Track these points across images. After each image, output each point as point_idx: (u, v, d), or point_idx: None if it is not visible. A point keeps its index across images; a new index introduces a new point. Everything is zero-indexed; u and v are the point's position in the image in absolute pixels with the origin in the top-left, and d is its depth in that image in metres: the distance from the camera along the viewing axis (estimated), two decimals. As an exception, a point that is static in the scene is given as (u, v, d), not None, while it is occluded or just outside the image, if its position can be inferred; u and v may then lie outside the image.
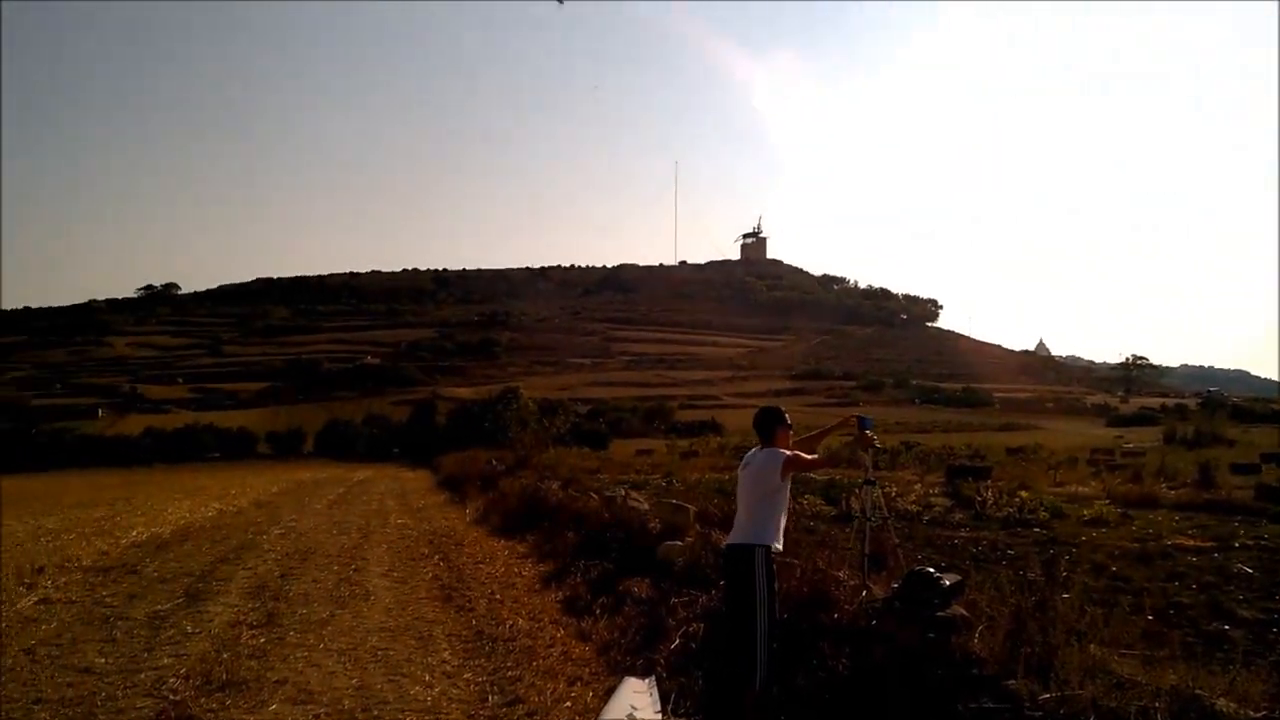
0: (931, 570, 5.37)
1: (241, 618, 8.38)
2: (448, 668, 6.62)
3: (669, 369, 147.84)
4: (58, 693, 6.08)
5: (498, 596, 9.16)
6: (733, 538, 5.35)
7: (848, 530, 11.18)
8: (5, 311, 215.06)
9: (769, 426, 5.34)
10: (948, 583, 5.27)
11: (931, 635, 4.90)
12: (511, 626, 7.78)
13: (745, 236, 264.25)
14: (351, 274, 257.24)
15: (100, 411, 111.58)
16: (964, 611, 5.14)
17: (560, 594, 9.05)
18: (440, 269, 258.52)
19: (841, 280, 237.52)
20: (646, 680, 5.95)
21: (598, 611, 7.84)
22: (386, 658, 6.93)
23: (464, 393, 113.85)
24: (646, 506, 11.11)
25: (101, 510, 21.40)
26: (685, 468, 31.80)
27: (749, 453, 5.49)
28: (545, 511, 14.08)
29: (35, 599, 9.33)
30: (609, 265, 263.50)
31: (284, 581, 10.40)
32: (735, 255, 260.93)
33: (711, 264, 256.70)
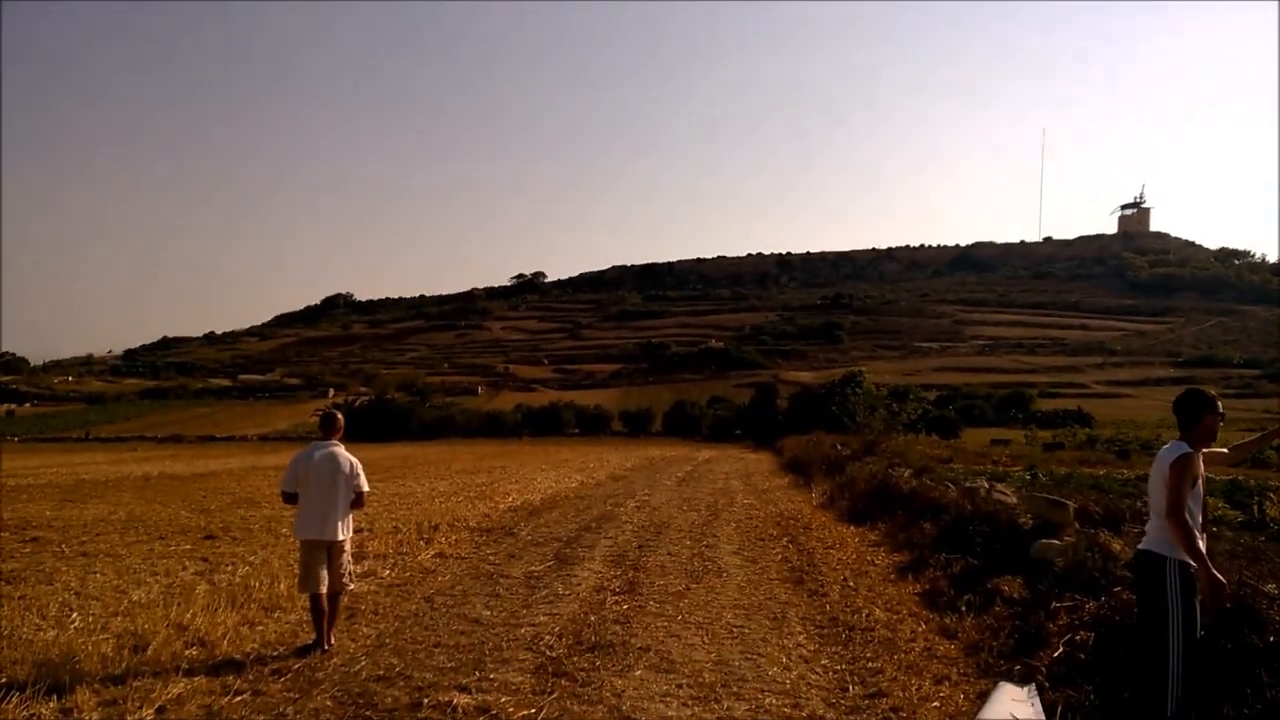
0: None
1: (605, 584, 8.80)
2: (804, 651, 6.43)
3: (1028, 354, 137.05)
4: (452, 639, 6.69)
5: (851, 584, 8.84)
6: (1144, 543, 4.63)
7: (1260, 540, 9.64)
8: (405, 299, 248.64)
9: (1193, 412, 4.51)
10: None
11: None
12: (868, 616, 7.44)
13: (1124, 208, 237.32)
14: (698, 260, 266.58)
15: (479, 389, 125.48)
16: None
17: (919, 586, 8.54)
18: (784, 253, 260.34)
19: (1244, 254, 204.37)
20: (1026, 688, 5.35)
21: (963, 608, 7.25)
22: (743, 635, 6.89)
23: (805, 376, 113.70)
24: (1014, 500, 10.19)
25: (482, 477, 23.86)
26: (1049, 460, 29.31)
27: (1164, 447, 4.69)
28: (897, 499, 13.47)
29: (433, 553, 10.48)
30: (961, 244, 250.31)
31: (641, 552, 10.82)
32: (1110, 228, 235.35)
33: (1081, 239, 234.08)
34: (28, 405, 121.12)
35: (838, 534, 12.43)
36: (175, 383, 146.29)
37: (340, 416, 6.87)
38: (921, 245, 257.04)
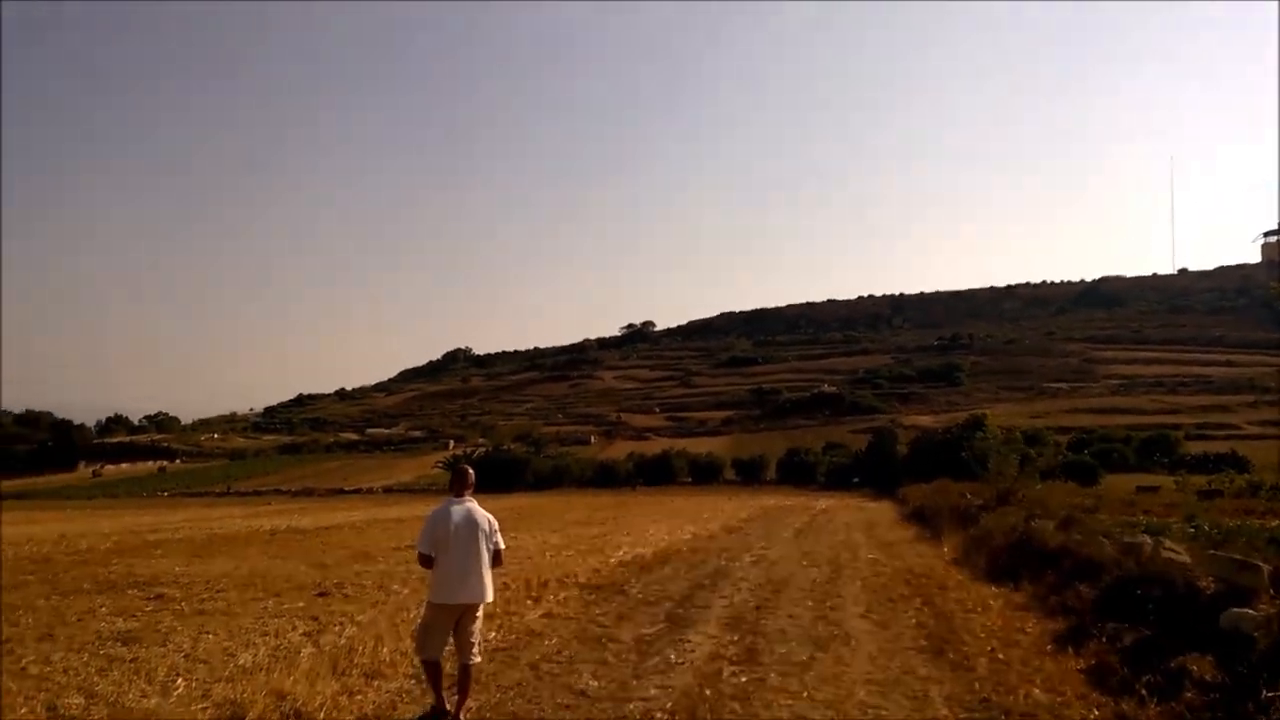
0: None
1: (721, 650, 8.10)
2: (956, 743, 5.59)
3: (1168, 393, 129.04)
4: (556, 714, 6.12)
5: (1000, 656, 7.87)
6: None
7: None
8: (521, 352, 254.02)
9: None
10: None
11: None
12: (1026, 697, 6.49)
13: (1267, 234, 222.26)
14: (808, 304, 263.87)
15: (592, 438, 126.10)
16: None
17: (1082, 661, 7.51)
18: (896, 293, 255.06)
19: None
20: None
21: (1143, 692, 6.24)
22: (879, 718, 6.09)
23: (925, 420, 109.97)
24: (1187, 559, 9.00)
25: (594, 529, 23.39)
26: (1209, 510, 26.91)
27: None
28: (1042, 556, 12.29)
29: (541, 613, 9.96)
30: (1087, 278, 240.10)
31: (759, 614, 10.07)
32: (1254, 257, 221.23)
33: (1221, 269, 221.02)
34: (178, 461, 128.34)
35: (977, 595, 11.35)
36: (308, 438, 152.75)
37: (471, 471, 6.58)
38: (1043, 281, 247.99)
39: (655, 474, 75.81)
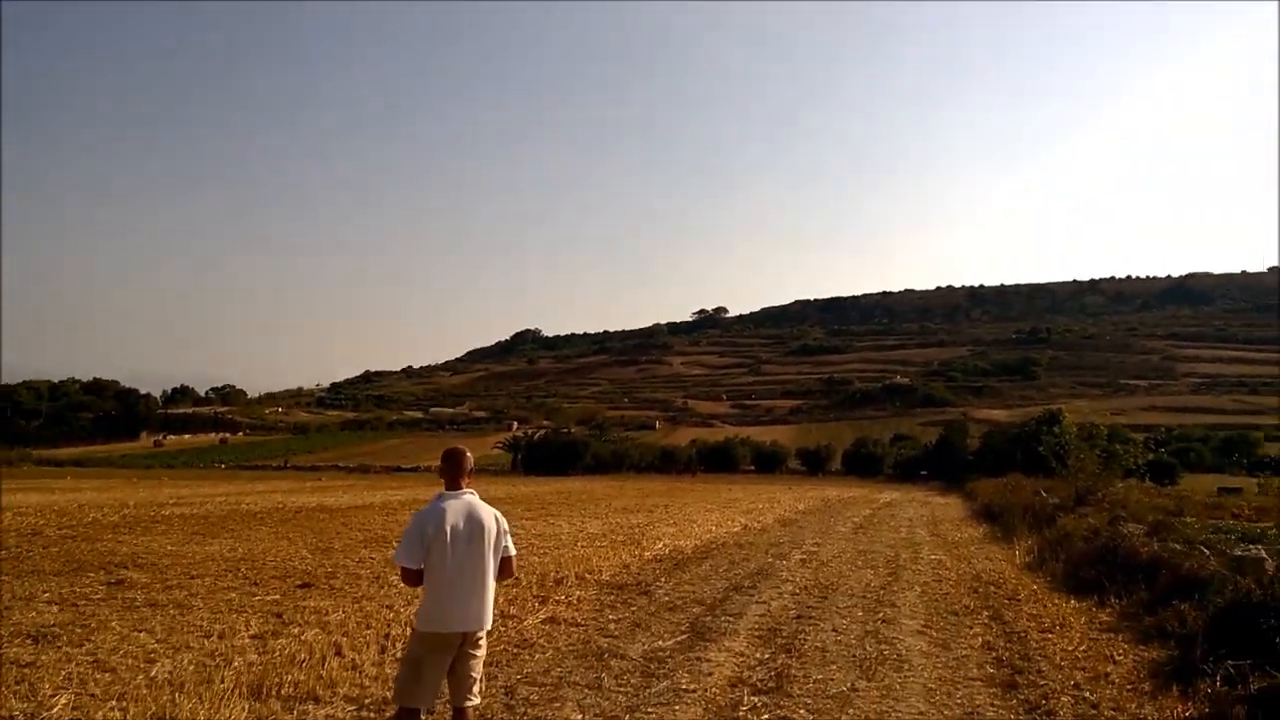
0: None
1: (745, 674, 6.73)
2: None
3: (1251, 393, 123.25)
4: (513, 759, 4.84)
5: (1088, 695, 6.35)
6: None
7: None
8: (590, 335, 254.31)
9: None
10: None
11: None
12: (1122, 759, 5.02)
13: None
14: (884, 293, 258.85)
15: (657, 423, 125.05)
16: None
17: (1193, 709, 5.96)
18: (975, 285, 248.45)
19: None
20: None
21: (1282, 763, 4.73)
22: (930, 786, 4.68)
23: (998, 415, 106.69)
24: (1316, 580, 7.36)
25: (640, 517, 22.14)
26: (1304, 515, 24.59)
27: None
28: (1130, 566, 10.63)
29: (543, 616, 8.70)
30: (1174, 274, 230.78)
31: (799, 625, 8.68)
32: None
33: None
34: (241, 434, 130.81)
35: (1055, 610, 9.76)
36: (373, 415, 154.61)
37: (469, 455, 4.80)
38: (1128, 276, 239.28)
39: (717, 461, 74.51)
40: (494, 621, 8.04)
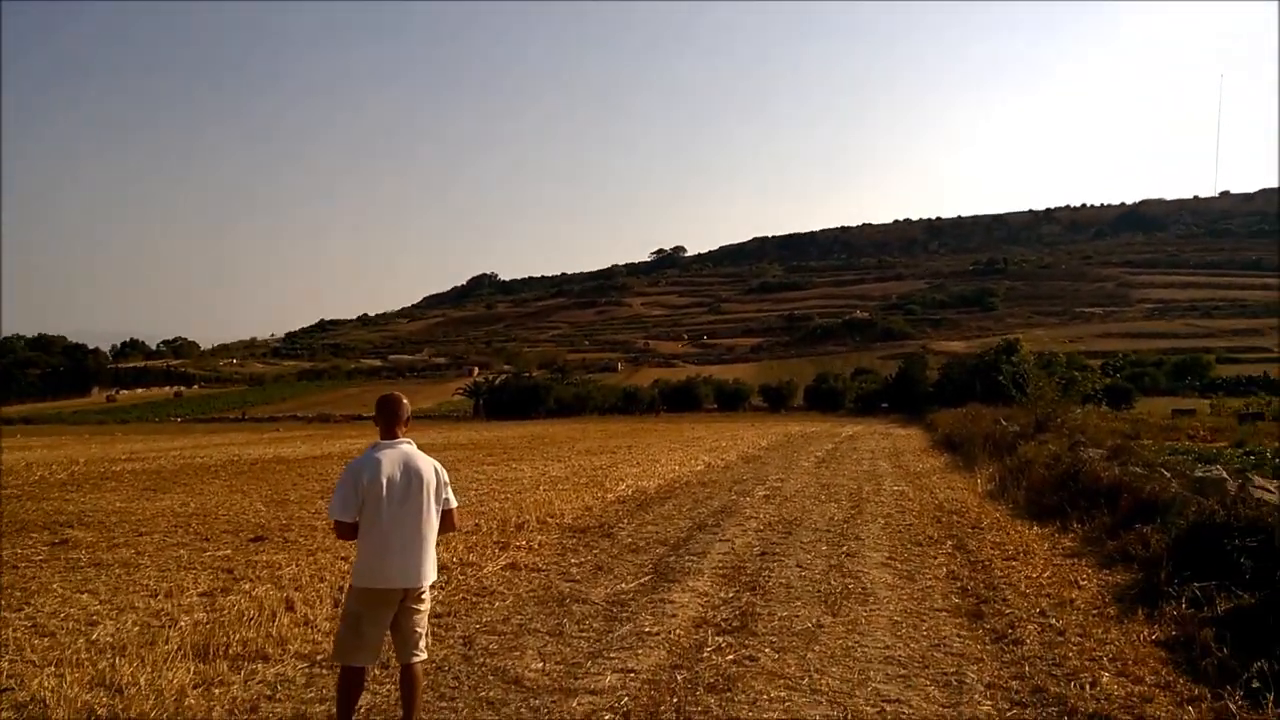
0: None
1: (709, 615, 6.59)
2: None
3: (1203, 317, 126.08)
4: (471, 713, 4.62)
5: (1054, 621, 6.30)
6: None
7: None
8: (548, 278, 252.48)
9: None
10: None
11: None
12: (1092, 686, 4.92)
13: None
14: (842, 229, 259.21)
15: (619, 365, 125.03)
16: None
17: (1157, 630, 5.92)
18: (933, 218, 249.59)
19: None
20: None
21: (1253, 683, 4.65)
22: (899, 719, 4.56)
23: (956, 346, 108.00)
24: (1277, 498, 7.35)
25: (603, 459, 22.02)
26: (1255, 434, 25.18)
27: None
28: (1093, 491, 10.65)
29: (504, 563, 8.48)
30: (1127, 202, 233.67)
31: (763, 563, 8.57)
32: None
33: (1264, 192, 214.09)
34: (196, 387, 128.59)
35: (1018, 537, 9.76)
36: (329, 364, 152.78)
37: (406, 402, 4.57)
38: (1083, 205, 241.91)
39: (680, 401, 74.60)
40: (454, 570, 7.95)
